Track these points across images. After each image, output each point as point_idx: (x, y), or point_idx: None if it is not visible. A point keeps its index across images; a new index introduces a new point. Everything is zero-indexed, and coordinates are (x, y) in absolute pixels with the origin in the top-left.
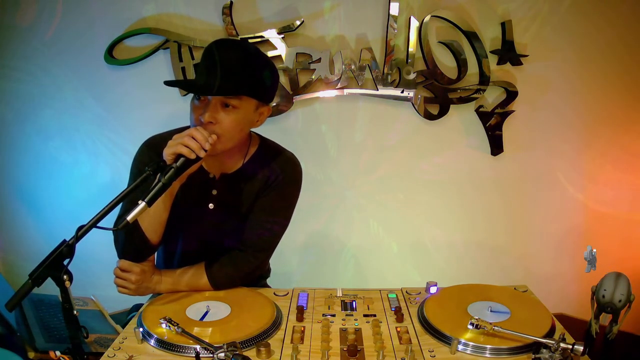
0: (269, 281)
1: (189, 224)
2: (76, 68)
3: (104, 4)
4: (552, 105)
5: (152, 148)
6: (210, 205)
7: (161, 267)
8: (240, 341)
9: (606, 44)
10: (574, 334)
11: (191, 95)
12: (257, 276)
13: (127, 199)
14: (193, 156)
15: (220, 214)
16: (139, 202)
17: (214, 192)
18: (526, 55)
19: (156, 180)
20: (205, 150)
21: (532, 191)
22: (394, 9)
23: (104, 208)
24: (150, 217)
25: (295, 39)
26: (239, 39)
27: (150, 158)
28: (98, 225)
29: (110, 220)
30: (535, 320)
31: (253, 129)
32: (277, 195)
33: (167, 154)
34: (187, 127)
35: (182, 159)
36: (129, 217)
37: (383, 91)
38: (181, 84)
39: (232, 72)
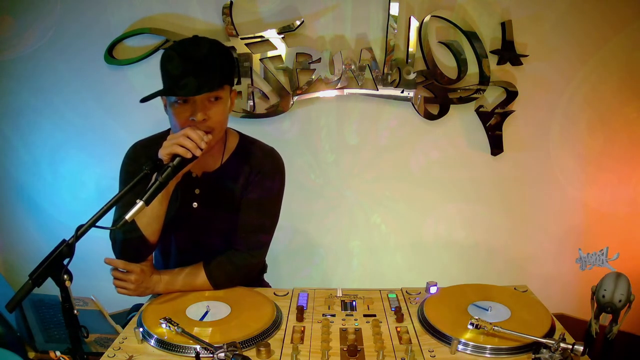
0: (269, 280)
1: (177, 225)
2: (76, 68)
3: (104, 4)
4: (552, 105)
5: (142, 149)
6: (194, 204)
7: (160, 269)
8: (240, 341)
9: (606, 43)
10: (574, 334)
11: None
12: (257, 274)
13: (123, 201)
14: (189, 155)
15: (205, 212)
16: (137, 201)
17: (197, 191)
18: (526, 55)
19: (153, 179)
20: (201, 149)
21: (532, 191)
22: (394, 9)
23: (103, 207)
24: (148, 216)
25: (295, 39)
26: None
27: (139, 161)
28: (97, 224)
29: (109, 220)
30: (535, 320)
31: (233, 128)
32: (262, 191)
33: (163, 154)
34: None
35: (178, 159)
36: (128, 216)
37: (383, 91)
38: (163, 93)
39: (210, 66)
